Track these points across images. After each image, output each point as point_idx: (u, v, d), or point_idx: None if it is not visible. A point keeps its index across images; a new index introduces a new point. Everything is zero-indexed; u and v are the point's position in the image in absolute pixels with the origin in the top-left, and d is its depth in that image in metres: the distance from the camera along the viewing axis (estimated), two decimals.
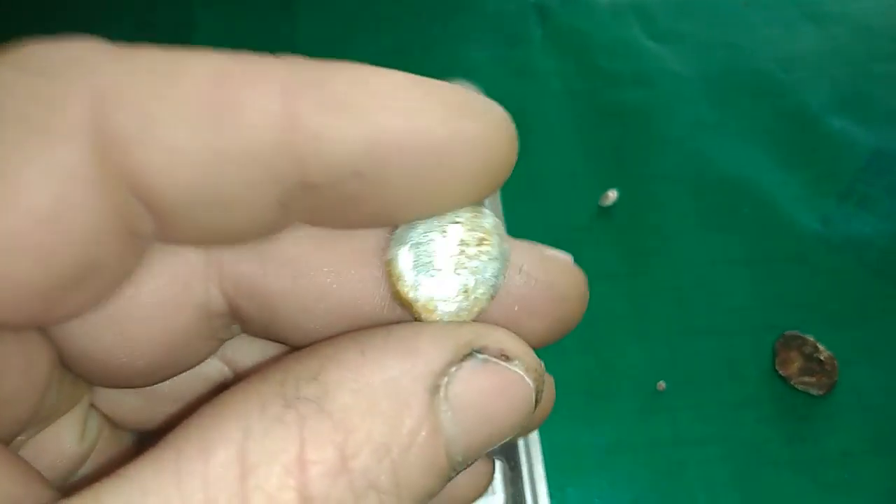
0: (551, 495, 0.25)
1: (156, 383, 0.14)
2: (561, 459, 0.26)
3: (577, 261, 0.34)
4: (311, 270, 0.13)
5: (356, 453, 0.10)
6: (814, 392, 0.28)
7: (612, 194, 0.32)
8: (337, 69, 0.11)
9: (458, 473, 0.12)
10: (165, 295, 0.12)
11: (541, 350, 0.32)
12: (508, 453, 0.25)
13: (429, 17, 0.38)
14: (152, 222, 0.11)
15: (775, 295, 0.30)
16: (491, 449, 0.12)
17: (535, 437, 0.26)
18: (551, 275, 0.14)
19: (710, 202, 0.32)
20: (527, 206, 0.32)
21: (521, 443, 0.26)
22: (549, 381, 0.13)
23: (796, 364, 0.28)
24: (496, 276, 0.13)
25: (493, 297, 0.13)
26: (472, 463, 0.12)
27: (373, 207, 0.12)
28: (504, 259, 0.13)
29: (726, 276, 0.31)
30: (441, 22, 0.38)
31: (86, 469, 0.14)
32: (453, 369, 0.11)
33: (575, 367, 0.29)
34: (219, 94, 0.10)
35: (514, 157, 0.13)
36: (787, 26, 0.37)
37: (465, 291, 0.12)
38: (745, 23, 0.38)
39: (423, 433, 0.11)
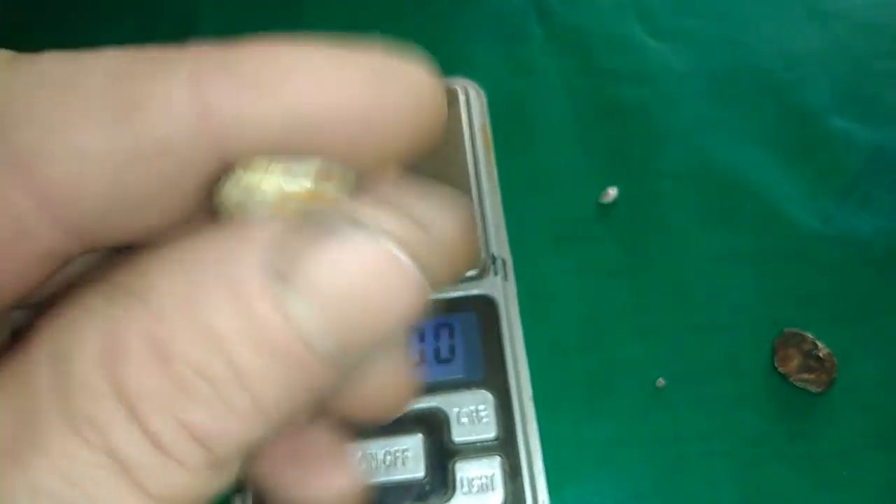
0: (551, 492, 0.25)
1: None
2: (560, 455, 0.26)
3: (578, 258, 0.35)
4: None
5: (172, 339, 0.09)
6: (812, 389, 0.28)
7: (613, 191, 0.32)
8: (245, 49, 0.11)
9: (348, 369, 0.10)
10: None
11: (540, 346, 0.32)
12: (508, 449, 0.26)
13: (430, 14, 0.38)
14: (66, 237, 0.11)
15: (776, 292, 0.30)
16: (386, 338, 0.10)
17: (534, 433, 0.26)
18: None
19: (711, 199, 0.32)
20: (527, 203, 0.32)
21: (520, 439, 0.26)
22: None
23: (795, 361, 0.28)
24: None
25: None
26: (367, 357, 0.10)
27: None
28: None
29: (726, 273, 0.31)
30: (442, 19, 0.38)
31: None
32: (289, 243, 0.10)
33: (574, 363, 0.29)
34: (123, 92, 0.10)
35: (442, 115, 0.12)
36: (789, 23, 0.37)
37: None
38: (747, 20, 0.37)
39: (261, 315, 0.09)
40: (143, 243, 0.12)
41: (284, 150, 0.11)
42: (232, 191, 0.11)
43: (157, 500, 0.09)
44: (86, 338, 0.09)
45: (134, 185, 0.11)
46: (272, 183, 0.11)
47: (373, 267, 0.10)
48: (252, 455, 0.11)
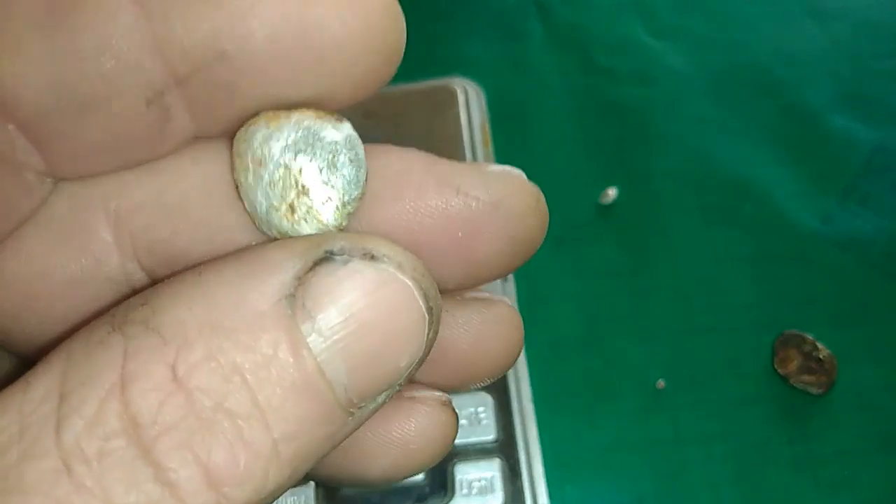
0: (550, 494, 0.25)
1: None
2: (560, 458, 0.26)
3: (577, 259, 0.34)
4: (224, 229, 0.12)
5: (193, 371, 0.09)
6: (812, 391, 0.28)
7: (612, 192, 0.32)
8: None
9: (366, 409, 0.10)
10: (74, 270, 0.12)
11: (539, 348, 0.32)
12: (507, 452, 0.26)
13: (430, 13, 0.38)
14: (29, 148, 0.11)
15: (776, 292, 0.30)
16: (398, 379, 0.10)
17: (534, 435, 0.26)
18: (496, 193, 0.12)
19: (711, 199, 0.32)
20: None
21: (520, 441, 0.26)
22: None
23: (795, 363, 0.28)
24: (353, 182, 0.11)
25: (353, 206, 0.11)
26: (384, 396, 0.10)
27: (250, 98, 0.11)
28: (359, 166, 0.12)
29: (727, 274, 0.31)
30: (442, 18, 0.38)
31: None
32: (309, 275, 0.10)
33: (574, 365, 0.29)
34: None
35: (401, 40, 0.11)
36: (789, 23, 0.37)
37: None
38: (746, 19, 0.37)
39: (283, 350, 0.09)
40: (103, 164, 0.12)
41: (222, 55, 0.11)
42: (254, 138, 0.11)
43: None
44: (99, 373, 0.09)
45: (75, 86, 0.10)
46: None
47: (376, 291, 0.10)
48: None
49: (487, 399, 0.26)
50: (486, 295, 0.14)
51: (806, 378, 0.28)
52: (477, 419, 0.26)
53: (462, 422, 0.26)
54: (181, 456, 0.09)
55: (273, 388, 0.09)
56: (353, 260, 0.10)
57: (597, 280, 0.31)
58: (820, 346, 0.28)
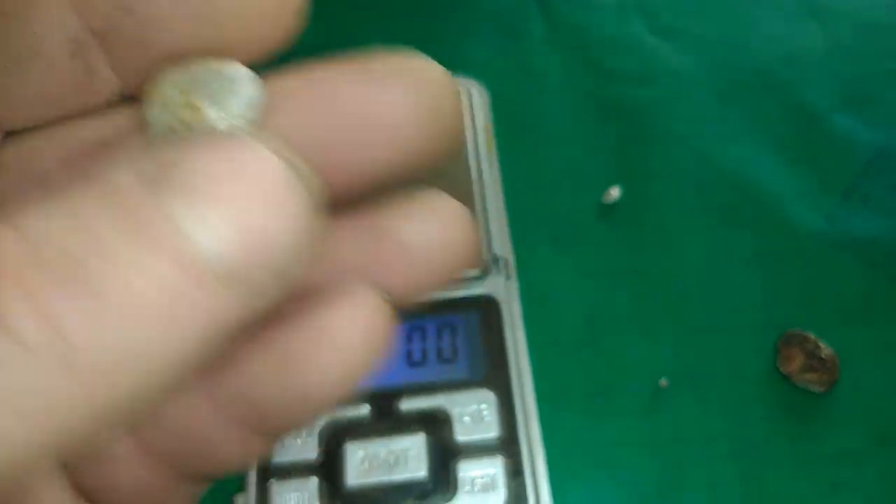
0: (553, 491, 0.25)
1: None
2: (563, 455, 0.26)
3: (580, 258, 0.34)
4: None
5: (46, 232, 0.09)
6: (815, 389, 0.28)
7: (615, 191, 0.33)
8: None
9: (250, 288, 0.09)
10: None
11: (542, 346, 0.32)
12: (510, 449, 0.26)
13: (431, 12, 0.38)
14: None
15: (778, 292, 0.30)
16: (283, 255, 0.09)
17: (536, 432, 0.26)
18: (403, 73, 0.12)
19: (713, 199, 0.33)
20: (528, 203, 0.32)
21: (522, 438, 0.26)
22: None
23: (797, 361, 0.28)
24: (248, 103, 0.12)
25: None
26: (268, 275, 0.09)
27: (161, 51, 0.12)
28: (255, 90, 0.12)
29: (729, 274, 0.31)
30: (443, 17, 0.38)
31: None
32: (166, 151, 0.09)
33: (576, 363, 0.29)
34: None
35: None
36: (791, 23, 0.37)
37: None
38: (749, 20, 0.37)
39: (144, 214, 0.09)
40: (41, 114, 0.13)
41: (127, 9, 0.12)
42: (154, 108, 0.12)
43: None
44: None
45: (8, 41, 0.12)
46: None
47: (250, 169, 0.09)
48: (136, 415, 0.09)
49: (490, 396, 0.26)
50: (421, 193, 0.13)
51: (808, 376, 0.28)
52: (480, 416, 0.26)
53: (465, 419, 0.26)
54: (19, 298, 0.08)
55: (134, 246, 0.09)
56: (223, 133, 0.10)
57: (599, 279, 0.31)
58: (822, 344, 0.28)
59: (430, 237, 0.13)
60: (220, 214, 0.09)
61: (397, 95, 0.11)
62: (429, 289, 0.13)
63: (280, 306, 0.11)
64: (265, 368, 0.12)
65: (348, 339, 0.12)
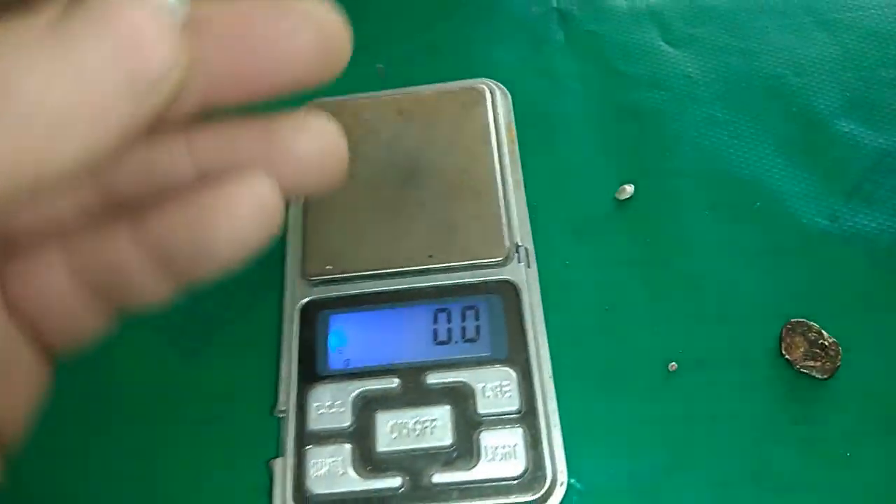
0: (568, 461, 0.27)
1: None
2: (578, 429, 0.28)
3: (596, 249, 0.36)
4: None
5: None
6: (817, 375, 0.29)
7: (629, 188, 0.34)
8: None
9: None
10: None
11: (560, 330, 0.34)
12: (529, 422, 0.27)
13: (460, 20, 0.40)
14: None
15: (784, 286, 0.32)
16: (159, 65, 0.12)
17: (553, 407, 0.28)
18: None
19: (723, 198, 0.34)
20: (549, 197, 0.34)
21: (540, 412, 0.27)
22: None
23: (801, 349, 0.30)
24: None
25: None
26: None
27: None
28: None
29: (737, 267, 0.32)
30: (470, 25, 0.40)
31: None
32: None
33: (592, 347, 0.31)
34: None
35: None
36: (799, 33, 0.39)
37: None
38: (759, 29, 0.39)
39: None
40: None
41: None
42: None
43: None
44: None
45: None
46: None
47: None
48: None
49: (511, 374, 0.28)
50: None
51: (811, 363, 0.29)
52: (501, 391, 0.28)
53: (488, 394, 0.28)
54: None
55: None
56: None
57: (614, 269, 0.32)
58: (825, 333, 0.30)
59: (311, 148, 0.16)
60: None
61: (297, 24, 0.14)
62: (307, 189, 0.16)
63: (197, 182, 0.15)
64: (178, 222, 0.15)
65: (244, 209, 0.15)
